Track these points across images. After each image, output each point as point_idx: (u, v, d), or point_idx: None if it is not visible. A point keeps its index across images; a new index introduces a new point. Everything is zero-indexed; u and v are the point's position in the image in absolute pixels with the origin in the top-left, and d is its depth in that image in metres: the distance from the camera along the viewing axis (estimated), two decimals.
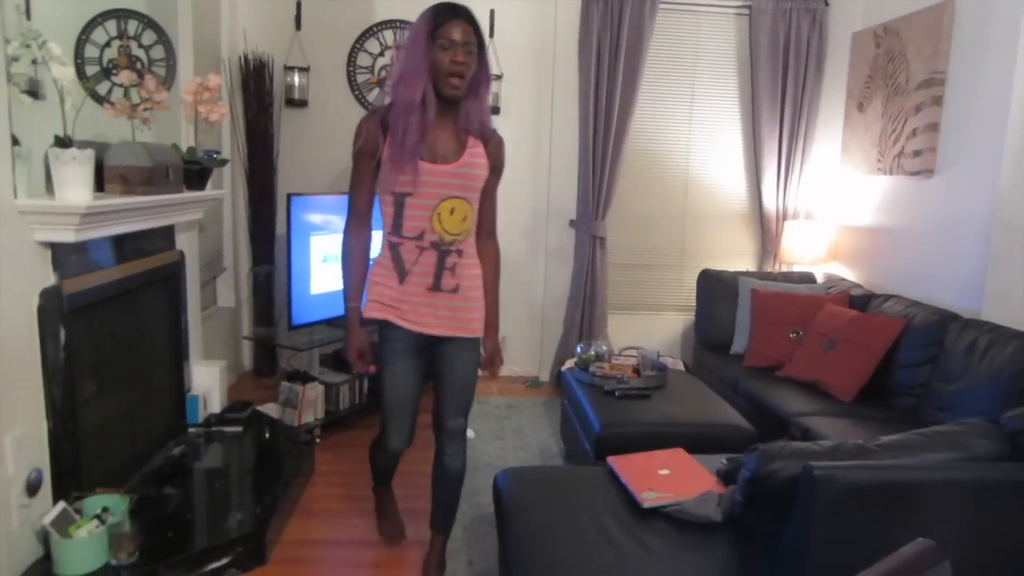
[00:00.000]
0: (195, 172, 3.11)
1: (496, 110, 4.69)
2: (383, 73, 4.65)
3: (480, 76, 2.12)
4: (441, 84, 2.07)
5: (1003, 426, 1.92)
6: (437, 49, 2.02)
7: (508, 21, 4.65)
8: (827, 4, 4.65)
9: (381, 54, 4.64)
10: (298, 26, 4.53)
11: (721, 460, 2.38)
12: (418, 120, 2.07)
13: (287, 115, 4.61)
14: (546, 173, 4.83)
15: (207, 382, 3.45)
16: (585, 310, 4.75)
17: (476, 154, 2.21)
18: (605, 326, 4.81)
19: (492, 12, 4.62)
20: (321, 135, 4.66)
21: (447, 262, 2.23)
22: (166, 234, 3.11)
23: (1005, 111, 3.15)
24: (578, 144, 4.69)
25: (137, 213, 2.62)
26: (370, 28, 4.61)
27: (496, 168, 2.31)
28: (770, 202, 4.80)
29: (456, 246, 2.24)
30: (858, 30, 4.29)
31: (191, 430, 3.28)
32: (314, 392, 3.75)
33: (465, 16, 2.06)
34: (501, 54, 4.65)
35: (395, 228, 2.22)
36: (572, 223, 4.82)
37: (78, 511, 2.25)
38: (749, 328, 4.10)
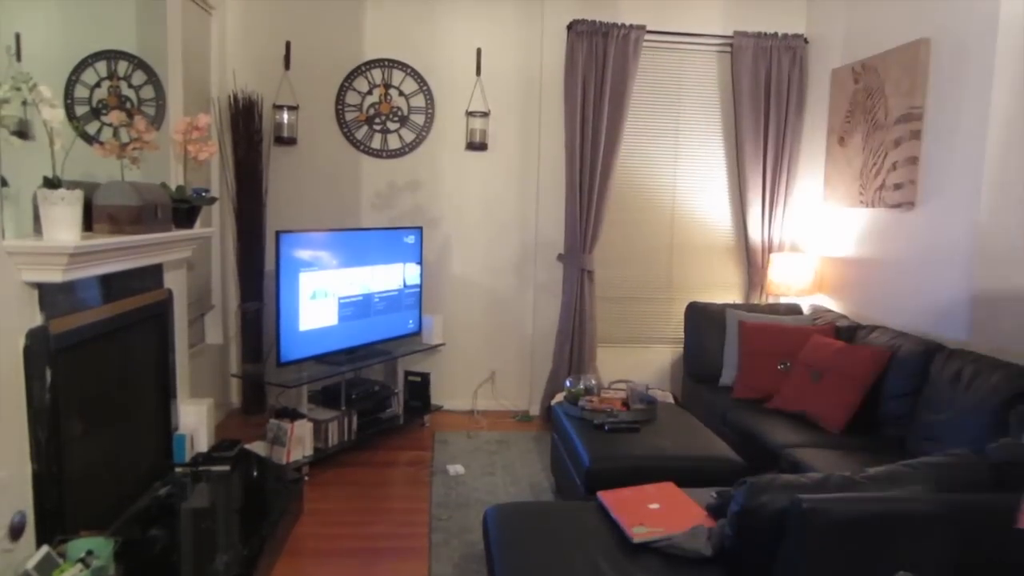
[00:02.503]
0: (184, 210, 3.12)
1: (484, 146, 4.75)
2: (371, 111, 4.70)
3: None
4: None
5: (988, 456, 1.93)
6: None
7: (495, 59, 4.73)
8: (806, 42, 4.75)
9: (369, 92, 4.70)
10: (287, 66, 4.59)
11: (711, 494, 2.37)
12: None
13: (276, 153, 4.64)
14: (534, 208, 4.87)
15: (194, 420, 3.42)
16: (574, 344, 4.76)
17: None
18: (594, 359, 4.82)
19: (479, 51, 4.70)
20: (310, 172, 4.70)
21: None
22: (154, 272, 3.11)
23: (982, 143, 3.22)
24: (565, 179, 4.74)
25: (125, 252, 2.63)
26: (358, 67, 4.67)
27: None
28: (755, 235, 4.85)
29: None
30: (837, 66, 4.38)
31: (178, 470, 3.24)
32: (302, 429, 3.73)
33: None
34: (488, 91, 4.73)
35: None
36: (560, 257, 4.85)
37: (62, 555, 2.21)
38: (737, 360, 4.11)
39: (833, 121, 4.41)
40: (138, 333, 3.00)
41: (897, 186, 3.76)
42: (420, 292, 4.60)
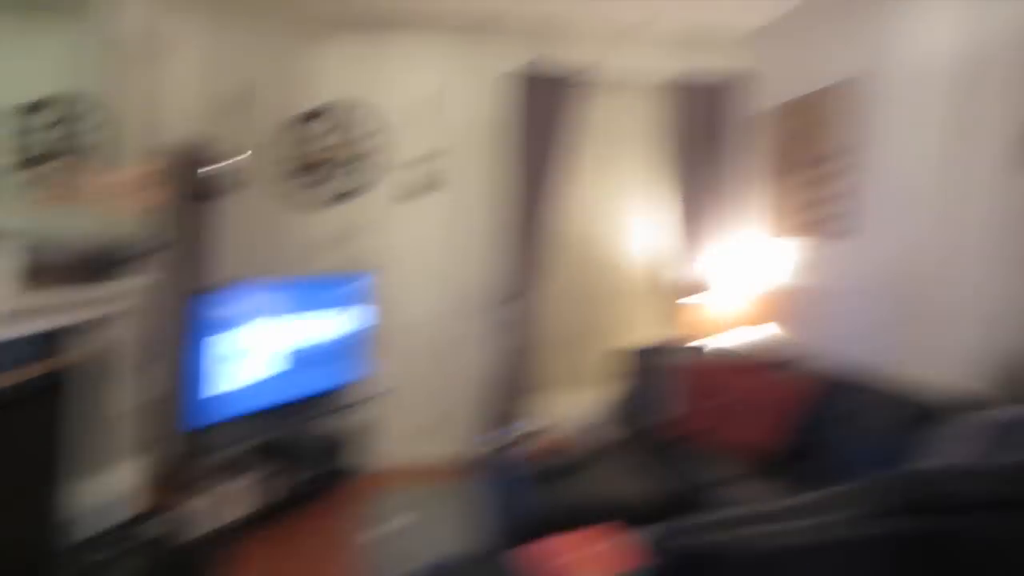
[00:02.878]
0: (120, 261, 3.05)
1: (430, 191, 4.78)
2: (319, 156, 4.70)
3: None
4: None
5: (901, 480, 1.95)
6: None
7: (444, 105, 4.78)
8: (743, 82, 4.86)
9: (318, 137, 4.71)
10: (237, 111, 4.56)
11: (641, 535, 2.34)
12: None
13: (220, 201, 4.59)
14: (477, 253, 4.85)
15: (116, 488, 3.25)
16: (515, 388, 4.73)
17: None
18: (535, 403, 4.78)
19: (427, 97, 4.74)
20: (256, 219, 4.63)
21: None
22: (67, 334, 2.94)
23: (914, 175, 3.36)
24: (508, 223, 4.75)
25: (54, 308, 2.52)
26: (310, 112, 4.68)
27: None
28: (695, 273, 4.89)
29: None
30: (774, 104, 4.52)
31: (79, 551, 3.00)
32: (224, 497, 3.59)
33: None
34: (435, 136, 4.78)
35: None
36: (502, 301, 4.81)
37: None
38: (671, 399, 4.07)
39: (771, 158, 4.51)
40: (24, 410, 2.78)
41: (831, 219, 3.86)
42: (360, 340, 4.50)
